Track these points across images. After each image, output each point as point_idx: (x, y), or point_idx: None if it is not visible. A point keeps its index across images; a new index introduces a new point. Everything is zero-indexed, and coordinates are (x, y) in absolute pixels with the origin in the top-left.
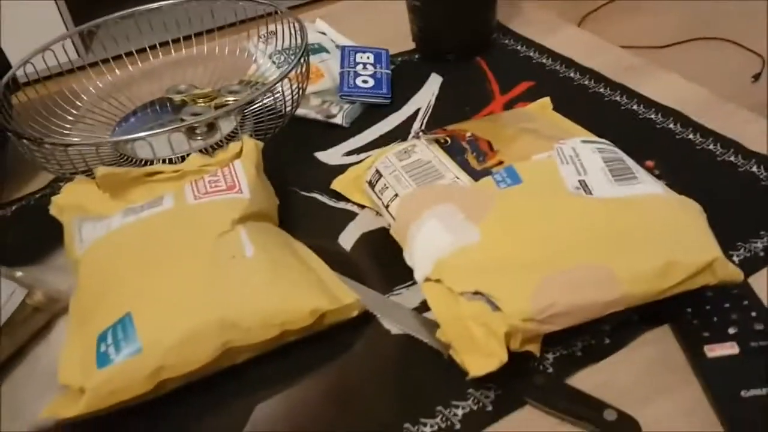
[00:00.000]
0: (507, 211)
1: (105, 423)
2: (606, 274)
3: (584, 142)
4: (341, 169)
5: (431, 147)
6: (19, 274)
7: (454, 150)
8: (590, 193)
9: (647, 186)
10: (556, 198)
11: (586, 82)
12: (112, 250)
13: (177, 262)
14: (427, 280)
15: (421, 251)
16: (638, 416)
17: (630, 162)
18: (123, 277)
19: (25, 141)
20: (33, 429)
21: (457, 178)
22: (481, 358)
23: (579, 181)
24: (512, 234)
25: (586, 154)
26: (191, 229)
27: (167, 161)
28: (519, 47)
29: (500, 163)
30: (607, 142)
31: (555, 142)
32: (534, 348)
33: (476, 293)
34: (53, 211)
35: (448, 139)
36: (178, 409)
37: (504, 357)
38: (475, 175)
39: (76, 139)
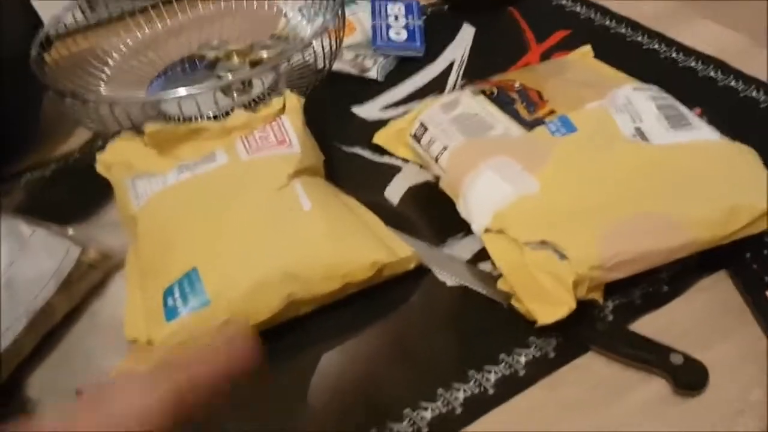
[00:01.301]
0: (565, 160)
1: None
2: (669, 220)
3: (636, 89)
4: (380, 123)
5: (477, 98)
6: (71, 232)
7: (501, 101)
8: (647, 140)
9: (703, 132)
10: (614, 146)
11: (623, 31)
12: (171, 205)
13: (237, 216)
14: (487, 231)
15: (479, 203)
16: (701, 360)
17: (683, 108)
18: (185, 232)
19: (68, 99)
20: (105, 380)
21: (508, 128)
22: (549, 306)
23: (635, 128)
24: (572, 183)
25: (639, 102)
26: (248, 183)
27: (201, 118)
28: None
29: (552, 112)
30: (658, 88)
31: (606, 90)
32: (597, 296)
33: (542, 242)
34: (100, 168)
35: (494, 90)
36: None
37: (573, 304)
38: (527, 125)
39: (115, 96)
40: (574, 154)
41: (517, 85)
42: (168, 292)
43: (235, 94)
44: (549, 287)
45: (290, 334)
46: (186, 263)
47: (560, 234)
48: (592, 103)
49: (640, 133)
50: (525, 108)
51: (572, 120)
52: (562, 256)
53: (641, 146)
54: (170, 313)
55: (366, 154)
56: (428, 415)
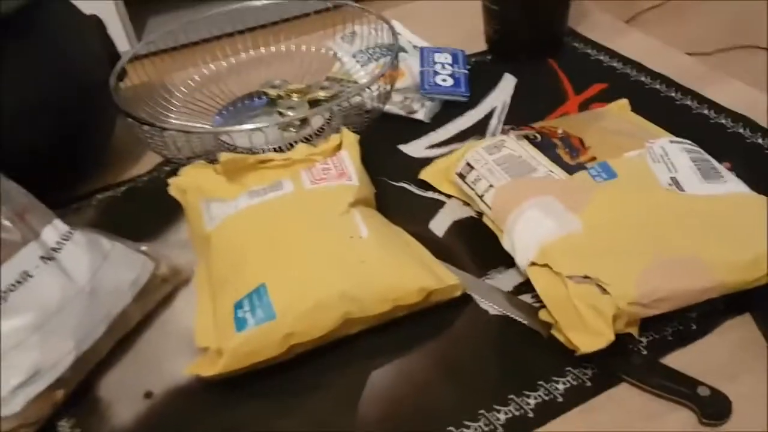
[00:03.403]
0: (606, 203)
1: (241, 382)
2: (702, 264)
3: (671, 142)
4: (425, 161)
5: (520, 142)
6: (143, 248)
7: (544, 145)
8: (682, 190)
9: (733, 185)
10: (651, 193)
11: (657, 86)
12: (243, 227)
13: (303, 239)
14: (532, 264)
15: (524, 238)
16: (726, 393)
17: (714, 162)
18: (255, 251)
19: (145, 127)
20: (171, 384)
21: (551, 171)
22: (589, 336)
23: (670, 178)
24: (613, 224)
25: (675, 154)
26: (311, 210)
27: (261, 151)
28: (588, 50)
29: (593, 158)
30: (691, 142)
31: (643, 141)
32: (634, 330)
33: (584, 277)
34: (173, 191)
35: (537, 135)
36: (302, 371)
37: (611, 336)
38: (570, 169)
39: (192, 126)
40: (614, 198)
41: (560, 131)
42: (238, 305)
43: (292, 130)
44: (590, 319)
45: (344, 350)
46: (255, 279)
47: (602, 270)
48: (630, 152)
49: (676, 183)
50: (567, 153)
51: (612, 166)
52: (604, 291)
53: (676, 195)
54: (240, 324)
55: (412, 188)
56: None
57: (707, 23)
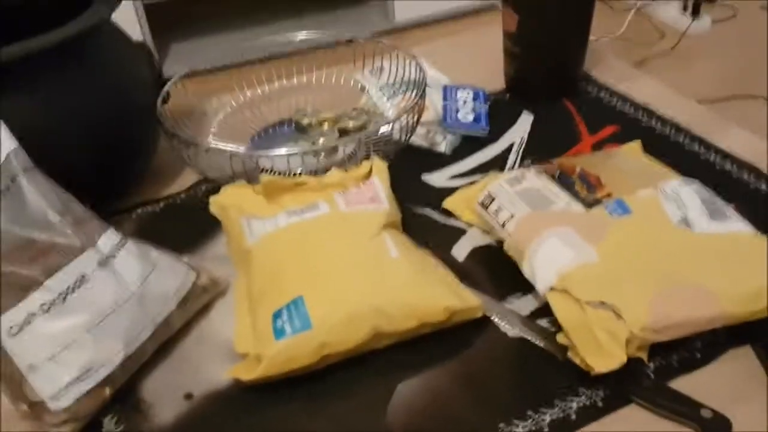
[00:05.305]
0: (621, 237)
1: (275, 387)
2: (709, 295)
3: (682, 183)
4: (446, 190)
5: (540, 177)
6: (185, 259)
7: (563, 181)
8: (691, 227)
9: (738, 224)
10: (663, 229)
11: (667, 132)
12: (283, 243)
13: (338, 257)
14: (551, 289)
15: (544, 264)
16: (729, 416)
17: (721, 203)
18: (293, 265)
19: (191, 147)
20: (210, 387)
21: (569, 205)
22: (603, 358)
23: (681, 216)
24: (627, 256)
25: (685, 194)
26: (346, 230)
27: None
28: (602, 94)
29: (609, 195)
30: (700, 183)
31: (655, 181)
32: (643, 355)
33: (601, 303)
34: (213, 208)
35: (556, 171)
36: (333, 380)
37: (624, 358)
38: (587, 204)
39: (234, 148)
40: (629, 233)
41: (577, 169)
42: (277, 315)
43: (322, 156)
44: (605, 342)
45: (372, 363)
46: (294, 291)
47: (617, 297)
48: (644, 191)
49: (685, 221)
50: (585, 189)
51: (627, 203)
52: (618, 317)
53: (686, 232)
54: (279, 332)
55: (435, 216)
56: None
57: (711, 71)
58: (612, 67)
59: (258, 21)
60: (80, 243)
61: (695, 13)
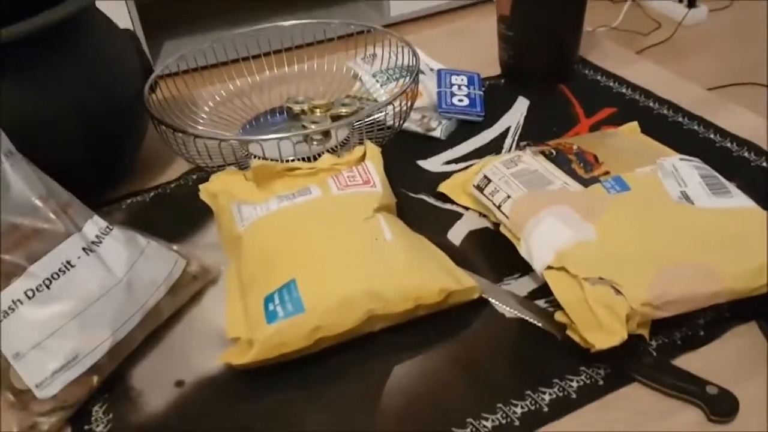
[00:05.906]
0: (620, 213)
1: (268, 372)
2: (710, 271)
3: (681, 159)
4: (442, 175)
5: (536, 157)
6: (175, 247)
7: (560, 161)
8: (692, 203)
9: (740, 200)
10: (663, 206)
11: (665, 112)
12: (274, 227)
13: (331, 240)
14: (549, 268)
15: (541, 243)
16: (734, 393)
17: (722, 179)
18: (285, 249)
19: (179, 135)
20: (201, 373)
21: (566, 184)
22: (603, 334)
23: (681, 192)
24: (626, 233)
25: (684, 170)
26: (339, 214)
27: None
28: (599, 77)
29: (607, 173)
30: (700, 160)
31: (654, 159)
32: (645, 332)
33: (599, 279)
34: (204, 195)
35: (553, 151)
36: (328, 364)
37: (624, 335)
38: (584, 182)
39: (225, 134)
40: (628, 210)
41: (574, 148)
42: (269, 299)
43: (314, 143)
44: (604, 318)
45: (367, 346)
46: (286, 275)
47: (616, 273)
48: (642, 168)
49: (685, 197)
50: (582, 168)
51: (626, 180)
52: (618, 292)
53: (686, 208)
54: (271, 316)
55: (430, 200)
56: (489, 425)
57: (709, 60)
58: (609, 52)
59: (252, 17)
60: (64, 228)
61: (691, 3)
